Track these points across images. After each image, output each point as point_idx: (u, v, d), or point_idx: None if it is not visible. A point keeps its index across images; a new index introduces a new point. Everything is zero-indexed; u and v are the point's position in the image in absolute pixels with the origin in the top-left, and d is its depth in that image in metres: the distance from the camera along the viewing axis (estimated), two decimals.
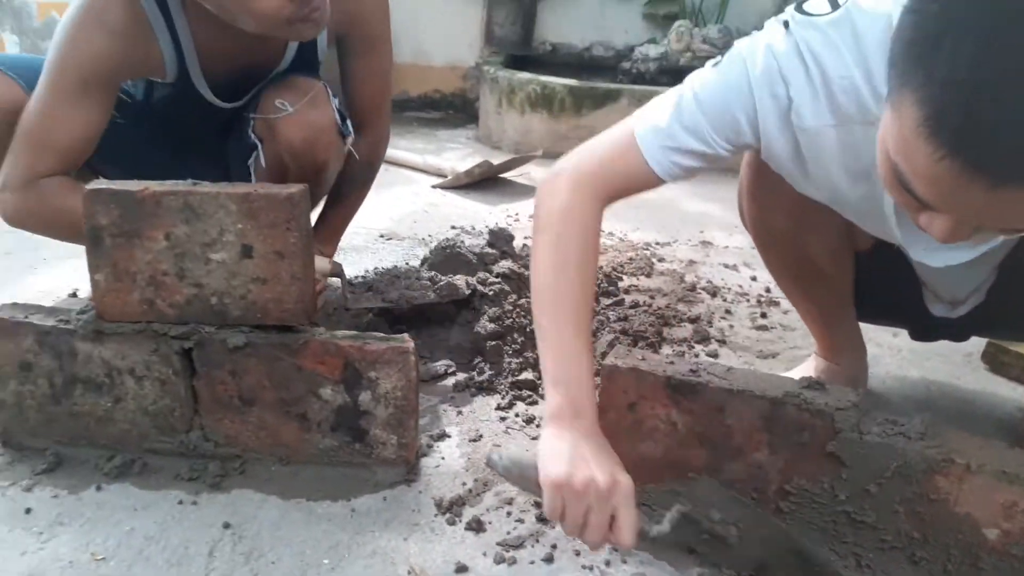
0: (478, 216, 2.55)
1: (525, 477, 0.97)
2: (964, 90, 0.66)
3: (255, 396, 1.19)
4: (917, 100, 0.70)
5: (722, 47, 3.46)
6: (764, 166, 1.12)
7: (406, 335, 1.21)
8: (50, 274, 2.01)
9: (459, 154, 3.34)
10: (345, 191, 1.70)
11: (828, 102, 0.95)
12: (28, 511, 1.11)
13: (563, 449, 0.92)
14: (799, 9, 0.96)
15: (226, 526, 1.09)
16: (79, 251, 2.18)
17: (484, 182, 2.88)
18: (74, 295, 1.84)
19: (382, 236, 2.35)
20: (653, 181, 1.06)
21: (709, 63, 1.04)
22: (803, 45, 0.94)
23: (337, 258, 2.11)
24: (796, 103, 0.96)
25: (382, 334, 1.20)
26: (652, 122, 1.04)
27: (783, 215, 1.27)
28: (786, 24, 0.96)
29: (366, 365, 1.17)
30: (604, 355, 1.50)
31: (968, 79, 0.66)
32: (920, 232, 0.87)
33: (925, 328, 1.40)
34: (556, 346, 1.00)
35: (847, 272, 1.34)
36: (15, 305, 1.23)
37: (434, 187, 2.88)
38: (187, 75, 1.44)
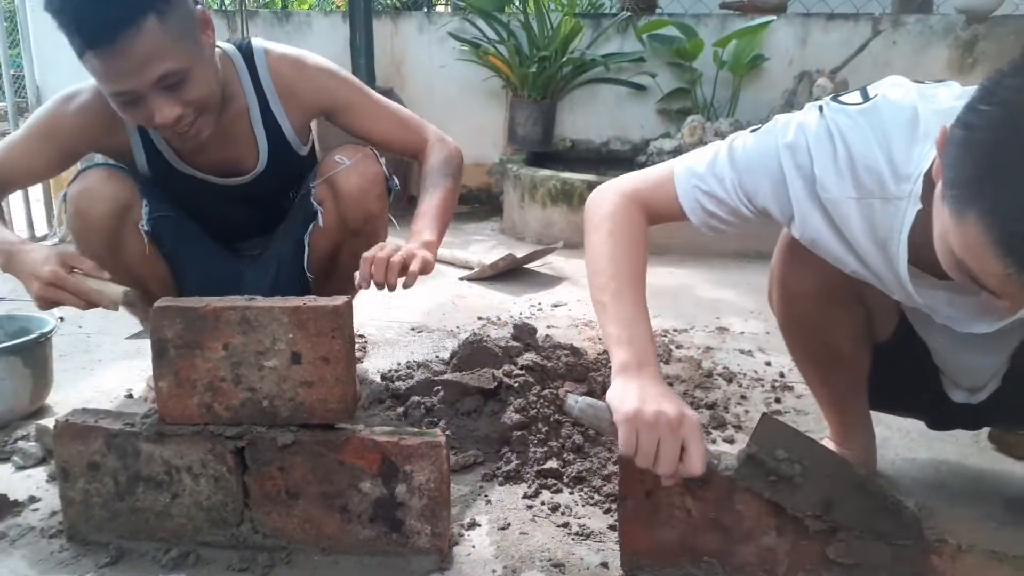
0: (503, 307, 2.67)
1: (599, 418, 1.10)
2: None
3: (300, 490, 1.29)
4: (985, 225, 0.83)
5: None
6: (795, 253, 1.26)
7: (438, 430, 1.32)
8: (104, 375, 2.16)
9: (485, 246, 3.50)
10: (429, 183, 1.70)
11: (852, 178, 1.07)
12: None
13: (632, 390, 1.06)
14: (834, 99, 1.11)
15: None
16: (131, 352, 2.35)
17: (508, 273, 3.02)
18: (130, 396, 1.97)
19: (413, 329, 2.48)
20: (679, 215, 1.23)
21: (749, 129, 1.20)
22: (834, 127, 1.08)
23: (372, 352, 2.25)
24: (820, 177, 1.09)
25: (416, 429, 1.31)
26: (690, 164, 1.21)
27: (810, 302, 1.37)
28: (820, 108, 1.11)
29: (402, 459, 1.27)
30: None
31: None
32: (939, 297, 1.06)
33: (942, 418, 1.47)
34: (617, 313, 1.16)
35: (864, 361, 1.43)
36: (85, 410, 1.36)
37: (461, 279, 3.02)
38: (166, 162, 1.68)
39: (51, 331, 1.88)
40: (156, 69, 1.41)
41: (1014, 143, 0.81)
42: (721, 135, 3.56)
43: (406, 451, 1.27)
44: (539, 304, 2.69)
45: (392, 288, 1.46)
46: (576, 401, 1.12)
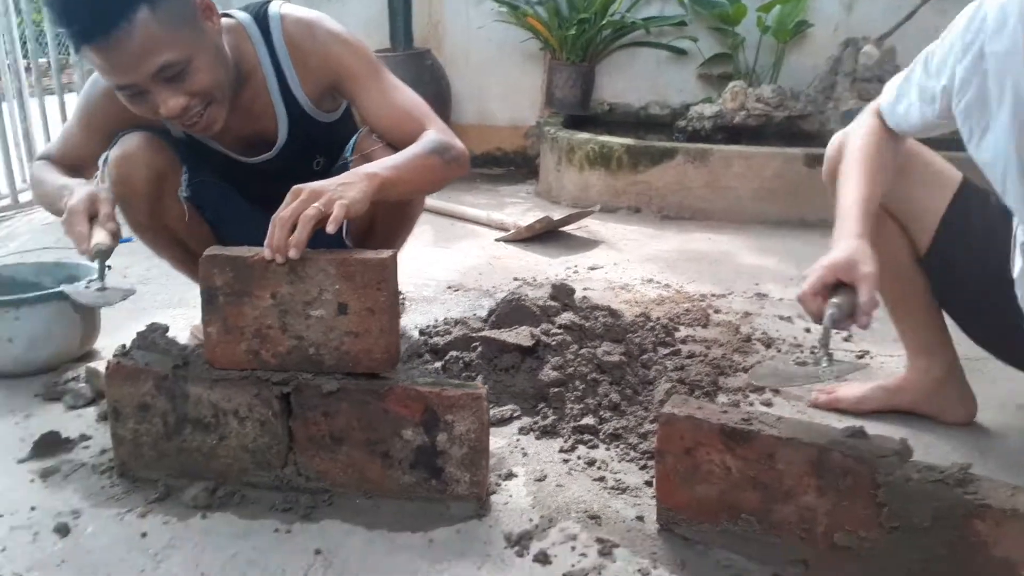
0: (539, 268, 2.68)
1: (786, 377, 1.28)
2: None
3: (344, 436, 1.32)
4: None
5: (775, 106, 3.57)
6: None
7: (478, 382, 1.33)
8: (150, 319, 2.20)
9: (520, 209, 3.50)
10: (409, 148, 1.48)
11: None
12: (143, 535, 1.26)
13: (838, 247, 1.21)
14: None
15: (317, 552, 1.22)
16: (175, 301, 2.40)
17: (544, 236, 3.02)
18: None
19: (450, 287, 2.49)
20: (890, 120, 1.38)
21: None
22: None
23: (410, 308, 2.27)
24: (991, 30, 1.14)
25: (457, 381, 1.33)
26: (895, 80, 1.38)
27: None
28: None
29: (443, 409, 1.29)
30: (662, 403, 1.60)
31: None
32: None
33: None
34: (843, 196, 1.31)
35: (920, 276, 1.51)
36: (137, 351, 1.40)
37: (497, 241, 3.03)
38: (195, 139, 1.66)
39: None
40: (153, 62, 1.35)
41: None
42: (764, 101, 3.51)
43: (448, 401, 1.29)
44: (575, 267, 2.69)
45: (286, 255, 1.23)
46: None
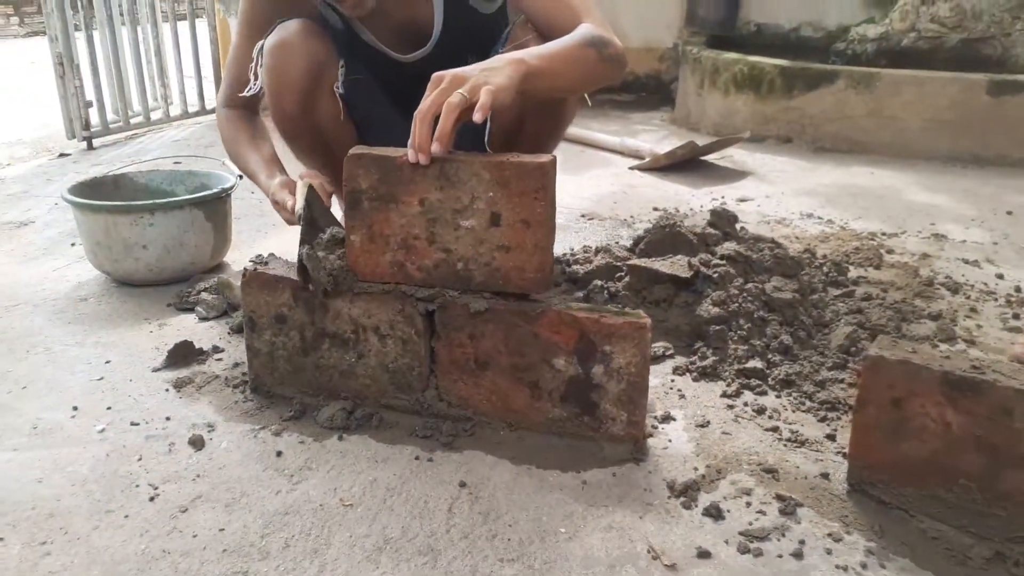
0: (680, 199, 2.48)
1: None
2: None
3: (490, 361, 1.20)
4: None
5: (952, 27, 3.17)
6: None
7: (641, 311, 1.18)
8: (280, 239, 2.15)
9: (654, 137, 3.28)
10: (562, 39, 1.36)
11: None
12: (279, 454, 1.19)
13: None
14: None
15: (462, 485, 1.11)
16: None
17: (682, 165, 2.80)
18: None
19: (583, 216, 2.34)
20: None
21: None
22: None
23: None
24: None
25: (618, 308, 1.18)
26: None
27: None
28: None
29: (601, 338, 1.15)
30: (842, 347, 1.41)
31: None
32: None
33: None
34: None
35: None
36: (275, 260, 1.31)
37: (631, 168, 2.83)
38: (352, 30, 1.52)
39: (231, 187, 1.87)
40: None
41: None
42: (939, 21, 3.12)
43: (607, 330, 1.14)
44: (722, 198, 2.48)
45: (429, 154, 1.11)
46: None
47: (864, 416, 1.05)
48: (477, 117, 1.06)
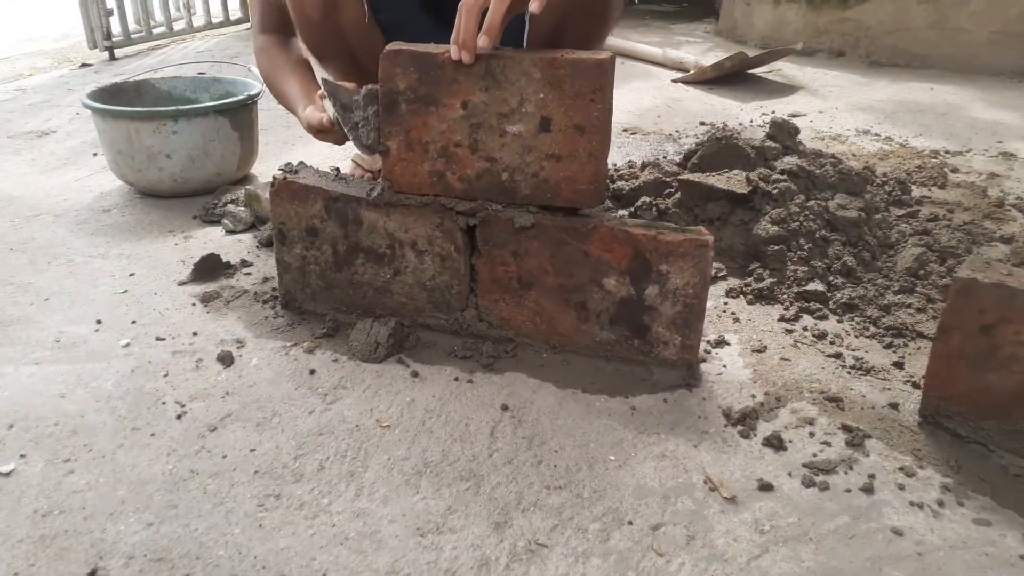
0: (728, 113, 2.34)
1: None
2: None
3: (535, 280, 1.12)
4: None
5: None
6: None
7: (702, 228, 1.09)
8: (307, 151, 2.07)
9: (699, 49, 3.10)
10: None
11: None
12: (312, 372, 1.13)
13: None
14: None
15: (504, 408, 1.05)
16: None
17: (729, 79, 2.64)
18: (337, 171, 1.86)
19: (626, 131, 2.22)
20: None
21: None
22: None
23: None
24: None
25: (677, 225, 1.09)
26: None
27: None
28: None
29: (658, 257, 1.06)
30: (910, 270, 1.31)
31: None
32: None
33: None
34: None
35: None
36: (306, 168, 1.23)
37: (675, 81, 2.69)
38: None
39: (258, 94, 1.77)
40: None
41: None
42: None
43: (665, 247, 1.05)
44: (772, 112, 2.34)
45: (474, 51, 1.00)
46: None
47: (946, 343, 0.96)
48: (534, 7, 0.95)
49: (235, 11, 3.94)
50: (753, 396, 1.08)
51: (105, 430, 0.99)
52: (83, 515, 0.85)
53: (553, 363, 1.15)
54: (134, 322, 1.24)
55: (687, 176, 1.48)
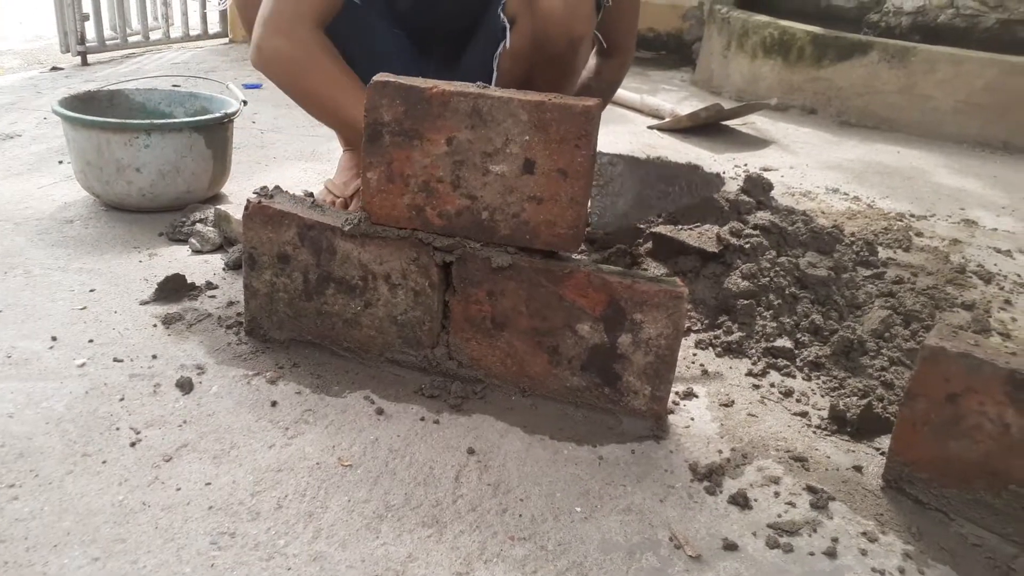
0: (701, 163, 2.36)
1: None
2: None
3: (508, 321, 1.11)
4: None
5: (993, 6, 3.05)
6: None
7: (677, 279, 1.09)
8: (280, 173, 2.04)
9: (675, 96, 3.15)
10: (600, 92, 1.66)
11: None
12: (274, 404, 1.10)
13: None
14: None
15: (470, 452, 1.03)
16: (305, 153, 2.22)
17: (703, 129, 2.69)
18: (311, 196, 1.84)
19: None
20: None
21: None
22: None
23: None
24: None
25: (653, 275, 1.09)
26: None
27: None
28: None
29: (633, 306, 1.06)
30: (875, 332, 1.33)
31: None
32: None
33: None
34: None
35: None
36: (281, 193, 1.21)
37: (651, 127, 2.72)
38: None
39: (235, 113, 1.75)
40: None
41: None
42: None
43: (640, 296, 1.05)
44: (744, 165, 2.37)
45: None
46: None
47: (912, 409, 0.97)
48: None
49: (214, 24, 3.91)
50: (720, 451, 1.08)
51: (54, 455, 0.95)
52: (25, 546, 0.81)
53: (522, 407, 1.13)
54: (91, 341, 1.20)
55: (659, 229, 1.49)
